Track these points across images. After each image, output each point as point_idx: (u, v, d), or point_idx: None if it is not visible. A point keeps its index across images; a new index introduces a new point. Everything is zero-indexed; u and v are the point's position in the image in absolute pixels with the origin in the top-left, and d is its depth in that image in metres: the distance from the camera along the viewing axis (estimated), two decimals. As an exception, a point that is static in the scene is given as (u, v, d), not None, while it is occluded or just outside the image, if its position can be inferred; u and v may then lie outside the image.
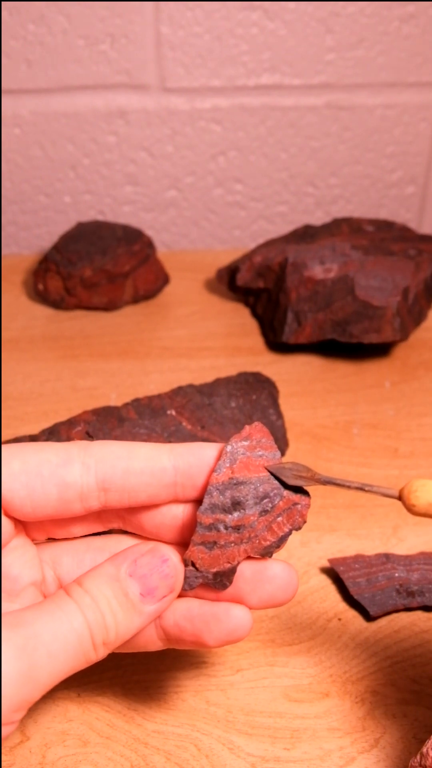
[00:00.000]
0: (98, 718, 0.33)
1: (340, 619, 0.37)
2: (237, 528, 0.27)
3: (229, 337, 0.57)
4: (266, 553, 0.28)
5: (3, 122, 0.64)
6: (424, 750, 0.27)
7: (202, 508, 0.27)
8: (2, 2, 0.59)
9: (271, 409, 0.45)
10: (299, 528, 0.28)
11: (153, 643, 0.29)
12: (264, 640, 0.36)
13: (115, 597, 0.26)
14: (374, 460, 0.46)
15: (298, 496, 0.28)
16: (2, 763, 0.31)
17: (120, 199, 0.68)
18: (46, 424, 0.47)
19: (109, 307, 0.60)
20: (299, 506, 0.28)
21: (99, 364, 0.54)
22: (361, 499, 0.43)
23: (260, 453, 0.28)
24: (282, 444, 0.45)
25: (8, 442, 0.41)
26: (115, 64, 0.62)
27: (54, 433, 0.41)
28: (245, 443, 0.28)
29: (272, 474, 0.28)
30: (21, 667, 0.23)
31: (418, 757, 0.27)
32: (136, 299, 0.61)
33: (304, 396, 0.51)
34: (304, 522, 0.28)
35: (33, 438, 0.41)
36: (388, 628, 0.36)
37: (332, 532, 0.41)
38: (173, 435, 0.42)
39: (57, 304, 0.60)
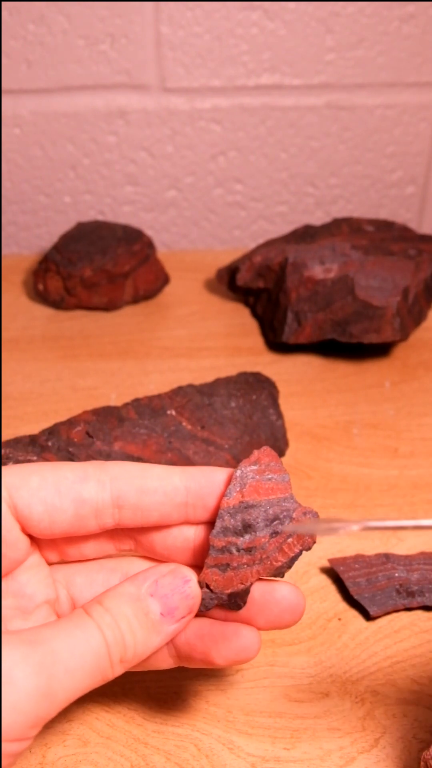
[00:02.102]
0: (98, 718, 0.33)
1: (340, 619, 0.37)
2: (249, 550, 0.28)
3: (229, 337, 0.57)
4: (278, 574, 0.28)
5: (3, 122, 0.64)
6: None
7: (214, 531, 0.28)
8: (2, 2, 0.59)
9: (271, 409, 0.45)
10: (309, 548, 0.28)
11: (164, 660, 0.29)
12: (264, 640, 0.36)
13: (136, 616, 0.26)
14: (374, 460, 0.46)
15: (307, 517, 0.28)
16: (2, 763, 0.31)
17: (120, 199, 0.68)
18: (46, 424, 0.47)
19: (109, 307, 0.60)
20: None
21: (99, 364, 0.54)
22: (361, 499, 0.43)
23: (269, 476, 0.28)
24: (282, 444, 0.45)
25: (8, 442, 0.41)
26: (115, 64, 0.62)
27: (54, 433, 0.41)
28: (254, 467, 0.28)
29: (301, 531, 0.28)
30: (38, 684, 0.23)
31: None
32: (136, 299, 0.61)
33: (304, 396, 0.51)
34: (314, 542, 0.28)
35: (33, 438, 0.41)
36: (388, 628, 0.36)
37: (332, 532, 0.41)
38: (173, 435, 0.42)
39: (57, 304, 0.60)
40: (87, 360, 0.55)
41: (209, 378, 0.51)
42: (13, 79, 0.62)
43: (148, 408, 0.43)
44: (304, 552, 0.28)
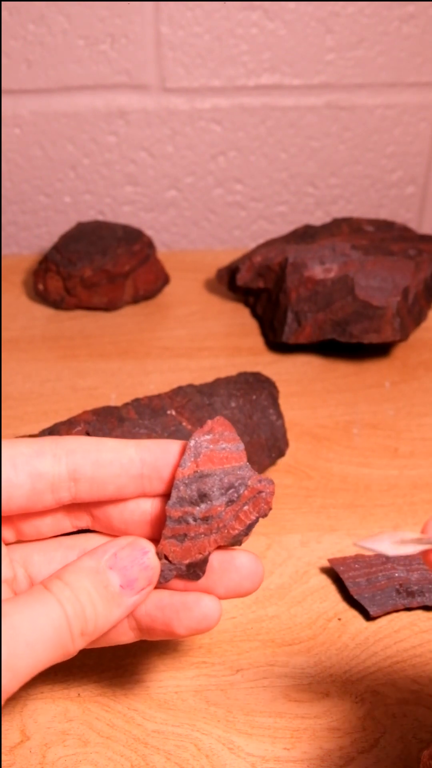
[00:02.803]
0: (98, 718, 0.33)
1: (340, 619, 0.37)
2: (205, 519, 0.28)
3: (229, 337, 0.57)
4: (236, 542, 0.28)
5: (3, 122, 0.64)
6: None
7: (170, 502, 0.28)
8: (2, 2, 0.59)
9: (271, 409, 0.45)
10: (265, 515, 0.28)
11: (125, 634, 0.29)
12: (264, 640, 0.36)
13: (95, 589, 0.26)
14: (374, 460, 0.46)
15: (263, 484, 0.28)
16: (2, 763, 0.31)
17: (120, 199, 0.68)
18: (46, 424, 0.47)
19: (109, 307, 0.60)
20: (264, 494, 0.28)
21: (99, 364, 0.54)
22: (361, 498, 0.43)
23: (223, 446, 0.29)
24: (282, 444, 0.45)
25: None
26: (115, 64, 0.62)
27: (54, 433, 0.41)
28: (208, 437, 0.28)
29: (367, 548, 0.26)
30: None
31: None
32: (136, 299, 0.61)
33: (304, 396, 0.51)
34: (270, 509, 0.29)
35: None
36: (388, 628, 0.36)
37: (332, 532, 0.41)
38: (173, 435, 0.42)
39: (57, 304, 0.60)
40: (87, 360, 0.55)
41: (209, 378, 0.51)
42: (13, 79, 0.62)
43: (148, 408, 0.43)
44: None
